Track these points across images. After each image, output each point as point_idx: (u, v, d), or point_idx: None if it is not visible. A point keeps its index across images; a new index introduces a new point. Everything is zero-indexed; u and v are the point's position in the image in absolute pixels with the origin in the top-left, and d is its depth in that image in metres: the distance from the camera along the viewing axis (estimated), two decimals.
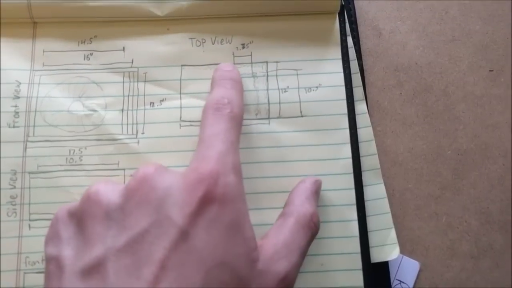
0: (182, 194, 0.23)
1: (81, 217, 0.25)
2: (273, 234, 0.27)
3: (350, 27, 0.35)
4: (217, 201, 0.23)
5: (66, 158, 0.32)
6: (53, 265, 0.24)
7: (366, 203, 0.32)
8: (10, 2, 0.33)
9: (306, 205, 0.29)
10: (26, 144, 0.32)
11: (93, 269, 0.22)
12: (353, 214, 0.31)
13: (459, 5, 0.37)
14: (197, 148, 0.26)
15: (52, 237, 0.26)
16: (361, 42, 0.36)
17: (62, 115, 0.33)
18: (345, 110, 0.33)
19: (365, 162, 0.33)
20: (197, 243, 0.22)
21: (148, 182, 0.24)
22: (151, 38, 0.35)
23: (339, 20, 0.35)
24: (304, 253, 0.27)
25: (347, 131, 0.33)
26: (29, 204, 0.31)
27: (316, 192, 0.30)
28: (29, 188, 0.31)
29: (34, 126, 0.32)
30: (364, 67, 0.36)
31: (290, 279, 0.26)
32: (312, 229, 0.28)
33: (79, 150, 0.32)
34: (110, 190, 0.25)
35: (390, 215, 0.32)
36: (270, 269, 0.25)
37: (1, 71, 0.33)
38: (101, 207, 0.24)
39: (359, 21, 0.37)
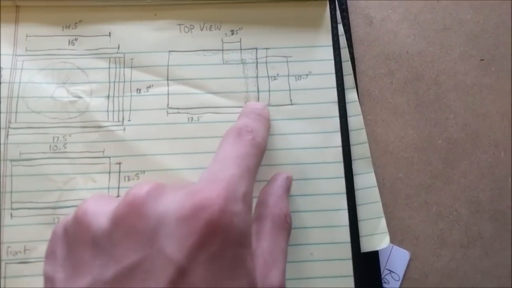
0: (179, 223, 0.21)
1: (71, 239, 0.23)
2: (255, 243, 0.25)
3: (341, 15, 0.35)
4: (220, 234, 0.21)
5: (50, 146, 0.31)
6: (48, 285, 0.23)
7: (356, 192, 0.31)
8: None
9: (280, 205, 0.27)
10: (8, 131, 0.31)
11: None
12: (343, 203, 0.31)
13: None
14: (208, 168, 0.24)
15: (50, 254, 0.24)
16: (352, 30, 0.36)
17: (46, 101, 0.32)
18: (336, 98, 0.33)
19: (356, 151, 0.32)
20: (196, 280, 0.20)
21: (138, 208, 0.22)
22: (138, 23, 0.34)
23: (330, 8, 0.34)
24: (286, 255, 0.26)
25: (337, 120, 0.32)
26: (11, 192, 0.30)
27: (288, 189, 0.30)
28: (11, 176, 0.30)
29: (16, 112, 0.31)
30: (355, 56, 0.35)
31: (283, 285, 0.25)
32: (288, 230, 0.27)
33: (63, 137, 0.31)
34: (100, 211, 0.23)
35: (380, 204, 0.31)
36: (266, 286, 0.23)
37: None
38: (89, 232, 0.22)
39: (350, 9, 0.36)
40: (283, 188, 0.29)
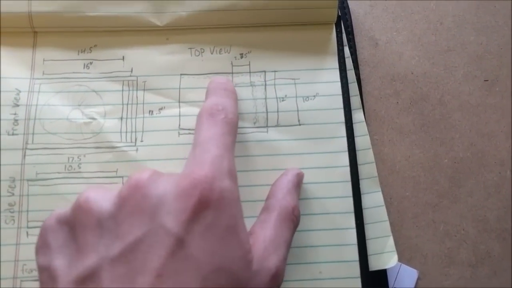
0: (176, 201, 0.23)
1: (72, 226, 0.24)
2: (259, 230, 0.27)
3: (346, 38, 0.36)
4: (212, 206, 0.23)
5: (65, 166, 0.32)
6: (45, 276, 0.24)
7: (364, 211, 0.32)
8: (11, 11, 0.34)
9: (288, 198, 0.29)
10: (25, 152, 0.32)
11: (87, 279, 0.22)
12: (351, 222, 0.31)
13: (454, 17, 0.38)
14: (191, 152, 0.26)
15: (42, 246, 0.25)
16: (357, 52, 0.37)
17: (61, 123, 0.33)
18: (343, 119, 0.33)
19: (363, 170, 0.33)
20: (193, 250, 0.22)
21: (141, 190, 0.23)
22: (150, 47, 0.35)
23: (336, 31, 0.35)
24: (289, 246, 0.27)
25: (345, 140, 0.33)
26: (27, 211, 0.31)
27: (298, 184, 0.30)
28: (28, 195, 0.31)
29: (33, 133, 0.32)
30: (361, 77, 0.36)
31: (280, 273, 0.26)
32: (294, 222, 0.28)
33: (77, 157, 0.32)
34: (101, 198, 0.24)
35: (388, 223, 0.32)
36: (263, 267, 0.25)
37: (1, 79, 0.33)
38: (93, 216, 0.23)
39: (356, 31, 0.37)
40: (293, 182, 0.30)
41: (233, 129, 0.28)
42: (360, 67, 0.36)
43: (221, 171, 0.24)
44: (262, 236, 0.26)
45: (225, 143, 0.26)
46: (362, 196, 0.32)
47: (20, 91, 0.33)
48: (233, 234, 0.23)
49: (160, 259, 0.21)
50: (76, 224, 0.24)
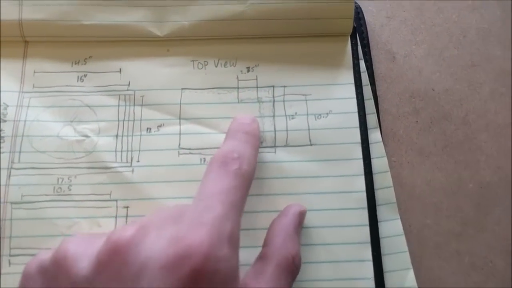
0: (162, 272, 0.20)
1: (50, 279, 0.22)
2: (253, 283, 0.23)
3: (362, 51, 0.33)
4: (204, 282, 0.20)
5: (54, 187, 0.29)
6: None
7: (381, 241, 0.29)
8: (0, 19, 0.31)
9: (288, 245, 0.26)
10: (10, 172, 0.29)
11: None
12: (368, 253, 0.28)
13: (478, 30, 0.35)
14: (192, 205, 0.23)
15: None
16: (374, 67, 0.34)
17: (51, 140, 0.30)
18: (358, 139, 0.30)
19: (380, 196, 0.30)
20: None
21: (121, 255, 0.21)
22: (149, 59, 0.32)
23: (351, 43, 0.33)
24: None
25: (361, 162, 0.30)
26: (10, 237, 0.28)
27: (300, 225, 0.27)
28: (11, 219, 0.28)
29: (20, 152, 0.30)
30: (378, 93, 0.33)
31: None
32: (294, 273, 0.25)
33: (68, 178, 0.29)
34: (81, 255, 0.22)
35: (407, 254, 0.29)
36: None
37: None
38: (68, 277, 0.21)
39: (372, 44, 0.35)
40: (293, 224, 0.27)
41: (246, 182, 0.25)
42: (376, 82, 0.33)
43: (221, 236, 0.21)
44: None
45: (233, 200, 0.23)
46: (379, 224, 0.29)
47: (7, 106, 0.31)
48: None
49: None
50: (52, 280, 0.22)
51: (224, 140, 0.28)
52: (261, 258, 0.25)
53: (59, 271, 0.21)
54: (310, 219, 0.29)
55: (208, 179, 0.24)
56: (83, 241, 0.23)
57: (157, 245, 0.21)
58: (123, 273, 0.20)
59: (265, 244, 0.26)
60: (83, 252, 0.22)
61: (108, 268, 0.20)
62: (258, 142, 0.28)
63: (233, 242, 0.22)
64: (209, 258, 0.20)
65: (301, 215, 0.28)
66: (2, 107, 0.30)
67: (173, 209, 0.24)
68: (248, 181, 0.25)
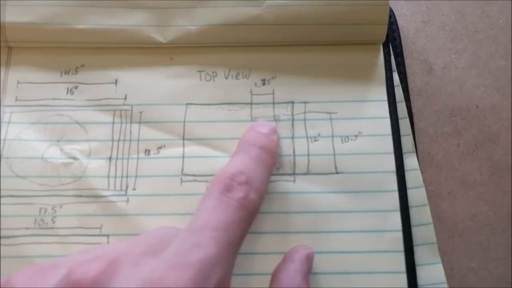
0: None
1: None
2: None
3: (395, 61, 0.29)
4: None
5: (35, 219, 0.25)
6: None
7: None
8: None
9: None
10: None
11: None
12: None
13: None
14: (180, 237, 0.19)
15: None
16: (408, 80, 0.29)
17: (34, 163, 0.26)
18: (393, 167, 0.26)
19: (417, 234, 0.25)
20: None
21: None
22: (150, 69, 0.28)
23: (383, 53, 0.28)
24: None
25: (396, 194, 0.25)
26: None
27: (308, 272, 0.23)
28: None
29: None
30: (413, 110, 0.29)
31: None
32: None
33: (52, 209, 0.25)
34: None
35: None
36: None
37: None
38: None
39: (405, 53, 0.30)
40: (301, 272, 0.22)
41: (250, 216, 0.21)
42: (411, 98, 0.29)
43: (207, 284, 0.18)
44: None
45: (230, 239, 0.19)
46: (417, 269, 0.24)
47: None
48: None
49: None
50: None
51: (233, 153, 0.24)
52: None
53: None
54: (335, 263, 0.24)
55: (205, 207, 0.20)
56: (35, 274, 0.19)
57: (129, 285, 0.17)
58: None
59: None
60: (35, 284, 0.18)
61: None
62: (274, 161, 0.24)
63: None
64: None
65: (309, 260, 0.23)
66: None
67: (155, 236, 0.20)
68: (253, 213, 0.21)
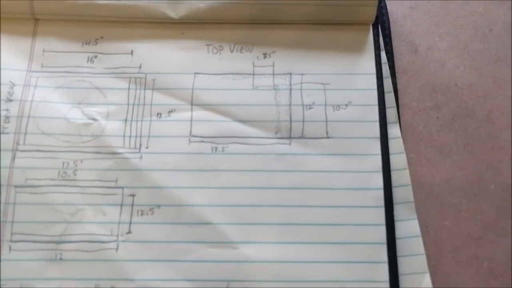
0: None
1: None
2: None
3: (383, 41, 0.30)
4: None
5: (59, 172, 0.26)
6: None
7: (397, 242, 0.26)
8: None
9: None
10: (15, 154, 0.27)
11: None
12: (383, 255, 0.25)
13: (504, 23, 0.32)
14: None
15: None
16: (395, 59, 0.30)
17: (58, 122, 0.27)
18: (378, 133, 0.27)
19: (397, 194, 0.27)
20: None
21: None
22: (163, 42, 0.29)
23: (373, 33, 0.29)
24: None
25: (379, 158, 0.27)
26: (12, 222, 0.25)
27: None
28: (14, 204, 0.26)
29: (25, 133, 0.27)
30: (398, 86, 0.30)
31: None
32: None
33: (73, 163, 0.27)
34: None
35: (424, 257, 0.25)
36: None
37: None
38: None
39: (393, 35, 0.31)
40: None
41: None
42: (397, 75, 0.30)
43: None
44: None
45: None
46: (395, 223, 0.26)
47: (14, 84, 0.28)
48: None
49: None
50: None
51: None
52: None
53: None
54: (323, 216, 0.26)
55: None
56: None
57: None
58: None
59: None
60: None
61: None
62: None
63: None
64: None
65: None
66: (8, 86, 0.28)
67: None
68: None
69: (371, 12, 0.29)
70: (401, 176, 0.27)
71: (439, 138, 0.29)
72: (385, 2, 0.31)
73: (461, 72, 0.31)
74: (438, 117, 0.30)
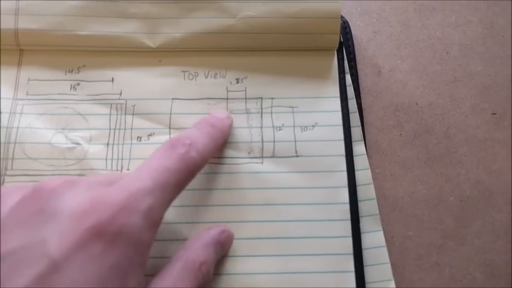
0: (70, 220, 0.19)
1: None
2: (157, 281, 0.22)
3: (348, 65, 0.32)
4: (104, 238, 0.19)
5: None
6: None
7: (363, 252, 0.27)
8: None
9: (199, 252, 0.24)
10: (3, 178, 0.28)
11: None
12: (350, 265, 0.26)
13: (460, 46, 0.34)
14: (128, 174, 0.22)
15: None
16: (359, 80, 0.32)
17: (43, 147, 0.28)
18: (343, 151, 0.29)
19: (363, 207, 0.28)
20: (65, 279, 0.18)
21: (41, 199, 0.20)
22: (142, 69, 0.31)
23: (337, 57, 0.31)
24: None
25: (345, 174, 0.28)
26: None
27: (219, 242, 0.26)
28: None
29: (13, 158, 0.28)
30: (363, 106, 0.32)
31: None
32: (199, 279, 0.23)
33: None
34: (9, 199, 0.21)
35: (389, 265, 0.27)
36: None
37: None
38: None
39: (358, 58, 0.33)
40: (213, 238, 0.25)
41: (188, 169, 0.23)
42: (362, 95, 0.32)
43: (137, 207, 0.20)
44: (158, 285, 0.22)
45: (165, 181, 0.22)
46: (362, 235, 0.28)
47: (0, 112, 0.29)
48: (119, 276, 0.19)
49: (24, 280, 0.18)
50: None
51: None
52: (171, 260, 0.24)
53: None
54: (293, 230, 0.27)
55: (152, 156, 0.23)
56: (17, 187, 0.22)
57: (76, 198, 0.20)
58: (33, 218, 0.20)
59: (179, 249, 0.25)
60: (14, 192, 0.21)
61: (25, 208, 0.20)
62: (222, 137, 0.28)
63: (149, 217, 0.21)
64: (115, 219, 0.19)
65: (225, 234, 0.26)
66: None
67: (111, 175, 0.24)
68: (192, 168, 0.24)
69: (335, 39, 0.31)
70: (367, 190, 0.29)
71: (402, 154, 0.31)
72: (350, 28, 0.33)
73: (421, 92, 0.33)
74: (401, 134, 0.32)
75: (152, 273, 0.22)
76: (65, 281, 0.18)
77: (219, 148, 0.28)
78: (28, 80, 0.30)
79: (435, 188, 0.30)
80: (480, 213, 0.30)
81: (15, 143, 0.28)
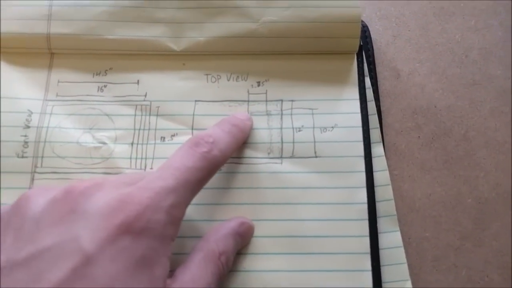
0: (100, 217, 0.21)
1: (4, 225, 0.22)
2: (180, 271, 0.23)
3: (368, 68, 0.32)
4: (132, 233, 0.20)
5: None
6: None
7: (380, 252, 0.27)
8: (29, 32, 0.31)
9: (219, 243, 0.25)
10: (33, 175, 0.29)
11: None
12: (367, 264, 0.27)
13: (480, 50, 0.34)
14: (152, 173, 0.23)
15: None
16: (379, 83, 0.33)
17: (71, 146, 0.29)
18: (362, 152, 0.29)
19: (381, 208, 0.28)
20: (98, 272, 0.20)
21: (71, 200, 0.21)
22: (166, 72, 0.31)
23: (357, 61, 0.32)
24: None
25: (363, 175, 0.29)
26: None
27: (239, 233, 0.26)
28: None
29: (42, 157, 0.29)
30: (382, 109, 0.32)
31: None
32: (220, 269, 0.24)
33: None
34: (40, 199, 0.22)
35: (406, 265, 0.27)
36: None
37: (14, 100, 0.30)
38: (22, 218, 0.21)
39: (377, 61, 0.33)
40: (233, 229, 0.26)
41: (210, 167, 0.24)
42: (381, 98, 0.32)
43: (161, 204, 0.21)
44: (181, 276, 0.23)
45: (188, 179, 0.23)
46: (379, 235, 0.28)
47: (32, 112, 0.30)
48: (146, 267, 0.21)
49: (61, 273, 0.19)
50: (6, 225, 0.22)
51: None
52: (192, 250, 0.25)
53: (17, 212, 0.22)
54: (311, 229, 0.27)
55: (175, 154, 0.24)
56: (45, 191, 0.23)
57: (105, 198, 0.21)
58: (67, 215, 0.21)
59: (200, 240, 0.26)
60: (43, 198, 0.22)
61: (57, 209, 0.21)
62: (243, 136, 0.28)
63: (172, 214, 0.22)
64: (141, 216, 0.21)
65: (244, 225, 0.27)
66: (26, 114, 0.30)
67: (135, 175, 0.24)
68: (214, 166, 0.25)
69: (355, 43, 0.31)
70: (384, 191, 0.29)
71: (420, 156, 0.31)
72: (369, 32, 0.34)
73: (440, 95, 0.33)
74: (419, 136, 0.32)
75: (172, 269, 0.23)
76: (98, 272, 0.19)
77: (238, 148, 0.29)
78: (58, 82, 0.31)
79: (453, 190, 0.30)
80: (498, 215, 0.29)
81: (45, 142, 0.29)
